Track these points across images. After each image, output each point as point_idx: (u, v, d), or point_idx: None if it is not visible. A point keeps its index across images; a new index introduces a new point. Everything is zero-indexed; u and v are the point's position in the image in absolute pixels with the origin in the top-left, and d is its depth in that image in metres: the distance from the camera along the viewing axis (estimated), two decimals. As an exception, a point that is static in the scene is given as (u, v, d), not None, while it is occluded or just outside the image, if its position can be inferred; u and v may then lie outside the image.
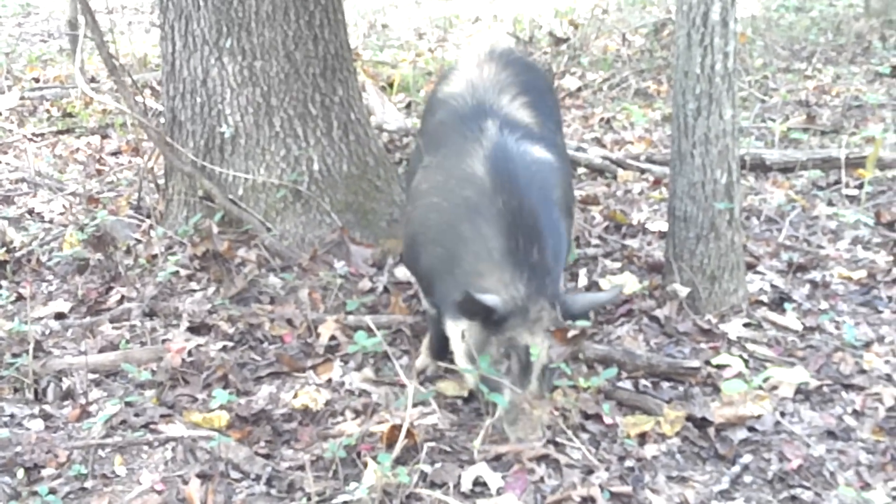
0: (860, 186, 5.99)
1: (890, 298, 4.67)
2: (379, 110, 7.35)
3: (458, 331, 3.64)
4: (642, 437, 3.70)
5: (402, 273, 4.86)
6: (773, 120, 7.64)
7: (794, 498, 3.37)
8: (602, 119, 8.03)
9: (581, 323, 3.55)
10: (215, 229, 4.93)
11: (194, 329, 4.47)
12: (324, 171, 5.16)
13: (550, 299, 3.57)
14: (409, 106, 8.41)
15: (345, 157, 5.20)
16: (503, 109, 4.08)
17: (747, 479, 3.51)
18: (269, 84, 5.08)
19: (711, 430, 3.72)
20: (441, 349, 3.99)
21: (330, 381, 4.11)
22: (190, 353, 4.19)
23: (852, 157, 6.18)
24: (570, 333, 3.53)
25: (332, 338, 4.35)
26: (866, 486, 3.40)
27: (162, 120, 6.01)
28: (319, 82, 5.13)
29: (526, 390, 3.55)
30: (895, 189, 6.07)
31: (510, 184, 3.69)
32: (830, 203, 5.92)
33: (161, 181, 5.75)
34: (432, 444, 3.59)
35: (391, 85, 8.77)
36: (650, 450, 3.65)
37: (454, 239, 3.70)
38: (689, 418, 3.75)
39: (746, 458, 3.57)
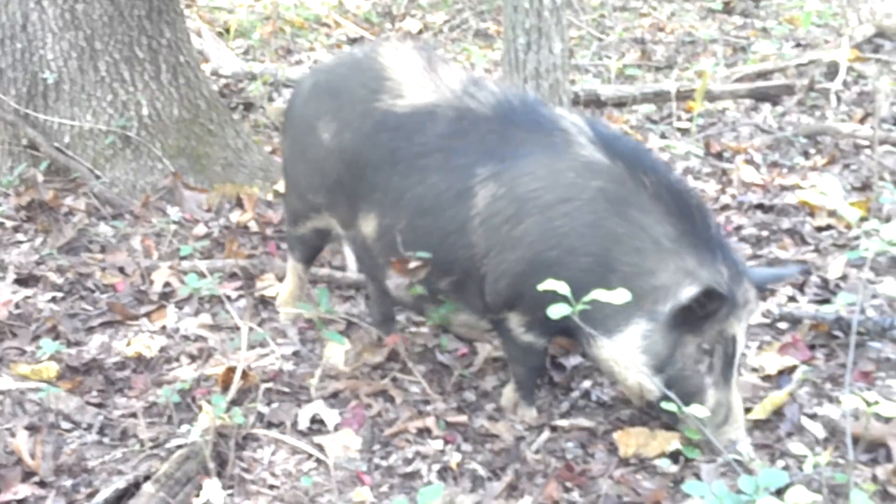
0: (691, 119, 6.13)
1: (719, 225, 4.79)
2: (215, 55, 7.20)
3: (633, 345, 3.10)
4: (489, 368, 3.75)
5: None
6: (610, 57, 7.74)
7: (620, 419, 3.47)
8: (442, 60, 8.01)
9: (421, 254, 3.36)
10: (40, 178, 4.79)
11: (21, 281, 4.33)
12: (153, 116, 5.03)
13: (749, 278, 3.14)
14: (247, 51, 8.26)
15: (175, 101, 5.08)
16: (528, 95, 3.69)
17: (581, 403, 3.59)
18: (92, 27, 4.93)
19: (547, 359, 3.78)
20: (532, 382, 3.51)
21: (164, 327, 4.03)
22: (17, 306, 4.07)
23: (683, 91, 6.31)
24: (412, 265, 3.51)
25: (167, 284, 4.27)
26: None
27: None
28: (145, 24, 4.99)
29: (731, 384, 3.15)
30: (724, 121, 6.23)
31: (644, 162, 3.23)
32: (663, 136, 6.04)
33: (-17, 131, 5.53)
34: (269, 384, 3.56)
35: (228, 31, 8.59)
36: (489, 381, 3.69)
37: (604, 240, 3.12)
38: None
39: (585, 384, 3.64)
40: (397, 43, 3.61)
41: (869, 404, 2.60)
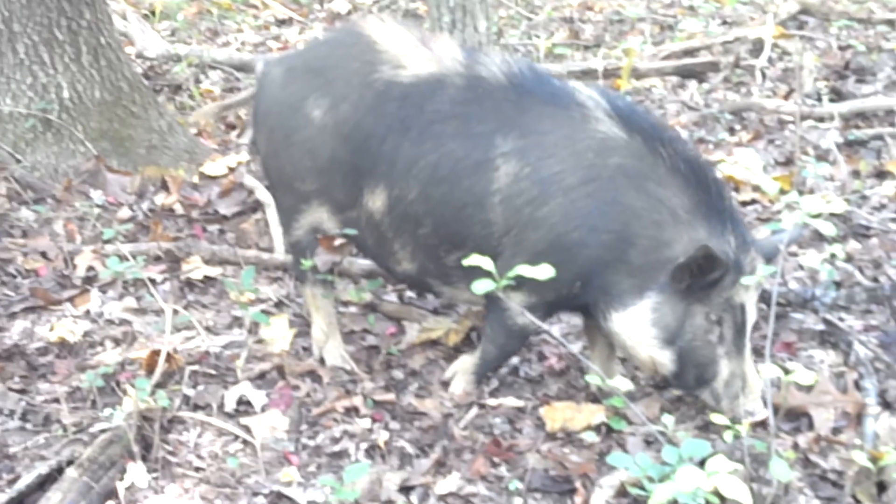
0: (618, 96, 6.15)
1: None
2: (139, 38, 7.09)
3: (644, 318, 3.12)
4: (417, 347, 3.76)
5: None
6: (538, 36, 7.75)
7: (547, 395, 3.49)
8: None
9: None
10: (-42, 163, 4.69)
11: (-61, 268, 4.25)
12: (74, 99, 4.95)
13: (757, 248, 3.15)
14: (173, 33, 8.16)
15: (97, 84, 5.00)
16: (534, 64, 3.57)
17: (510, 380, 3.60)
18: (10, 9, 4.83)
19: (475, 336, 3.80)
20: (495, 365, 3.52)
21: (88, 312, 3.97)
22: (-65, 294, 3.99)
23: (610, 69, 6.34)
24: (337, 242, 3.49)
25: (90, 268, 4.21)
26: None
27: None
28: (64, 6, 4.89)
29: (745, 355, 3.16)
30: (651, 98, 6.27)
31: (660, 135, 3.21)
32: (591, 114, 6.04)
33: None
34: (195, 367, 3.52)
35: (154, 13, 8.48)
36: (418, 360, 3.69)
37: (624, 216, 3.13)
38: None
39: (514, 360, 3.66)
40: (379, 19, 3.52)
41: (787, 373, 2.64)
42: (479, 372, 3.48)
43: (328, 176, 3.42)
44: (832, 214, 4.22)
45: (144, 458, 3.08)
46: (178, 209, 4.75)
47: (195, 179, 5.00)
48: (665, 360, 3.14)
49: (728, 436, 2.72)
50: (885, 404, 3.33)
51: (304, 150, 3.43)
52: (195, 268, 4.21)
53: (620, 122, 3.19)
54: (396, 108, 3.30)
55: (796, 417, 3.22)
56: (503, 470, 3.11)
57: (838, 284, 3.92)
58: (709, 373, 3.12)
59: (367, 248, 3.55)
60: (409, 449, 3.19)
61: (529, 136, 3.20)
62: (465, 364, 3.52)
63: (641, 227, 3.12)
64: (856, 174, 4.98)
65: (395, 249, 3.40)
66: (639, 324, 3.13)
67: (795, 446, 3.03)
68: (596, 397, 3.41)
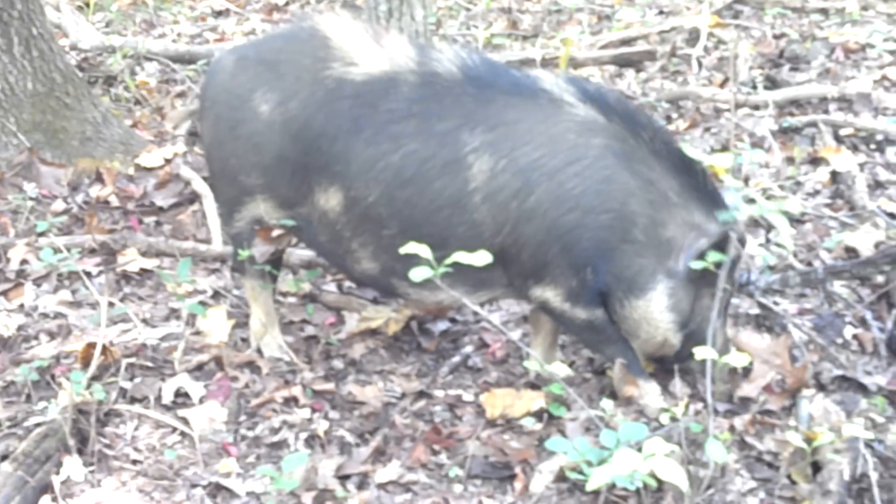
0: (557, 86, 6.16)
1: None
2: (73, 29, 7.00)
3: (662, 304, 3.13)
4: (357, 336, 3.75)
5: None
6: (477, 27, 7.75)
7: (487, 383, 3.50)
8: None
9: None
10: None
11: None
12: (6, 90, 4.88)
13: (737, 228, 3.08)
14: (108, 25, 8.06)
15: (29, 75, 4.92)
16: (488, 58, 3.48)
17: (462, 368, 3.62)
18: (-62, 0, 4.75)
19: (415, 325, 3.80)
20: (629, 355, 3.29)
21: (22, 305, 3.92)
22: None
23: (548, 58, 6.35)
24: (274, 233, 3.46)
25: (24, 262, 4.15)
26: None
27: None
28: (-5, -4, 4.82)
29: (726, 321, 3.27)
30: (589, 87, 6.29)
31: (639, 118, 3.19)
32: (529, 103, 6.06)
33: None
34: (132, 359, 3.49)
35: (88, 4, 8.37)
36: (358, 349, 3.68)
37: (621, 194, 3.08)
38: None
39: (468, 349, 3.67)
40: (333, 14, 3.42)
41: (719, 356, 2.67)
42: (631, 370, 3.27)
43: (274, 172, 3.33)
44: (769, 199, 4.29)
45: (80, 452, 3.05)
46: (114, 201, 4.69)
47: (131, 171, 4.94)
48: (676, 341, 3.19)
49: (663, 418, 2.75)
50: (820, 386, 3.38)
51: (249, 145, 3.33)
52: (131, 260, 4.16)
53: (595, 106, 3.15)
54: (348, 106, 3.22)
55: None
56: (443, 457, 3.11)
57: (772, 269, 3.96)
58: (707, 344, 3.01)
59: (320, 244, 3.45)
60: (349, 438, 3.18)
61: (498, 128, 3.13)
62: (618, 383, 3.29)
63: (639, 205, 3.08)
64: (790, 161, 5.03)
65: (354, 248, 3.31)
66: (658, 310, 3.13)
67: (731, 428, 3.06)
68: (536, 384, 3.42)
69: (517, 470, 3.01)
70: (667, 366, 3.28)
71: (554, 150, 3.10)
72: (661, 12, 7.92)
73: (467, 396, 3.41)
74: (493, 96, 3.18)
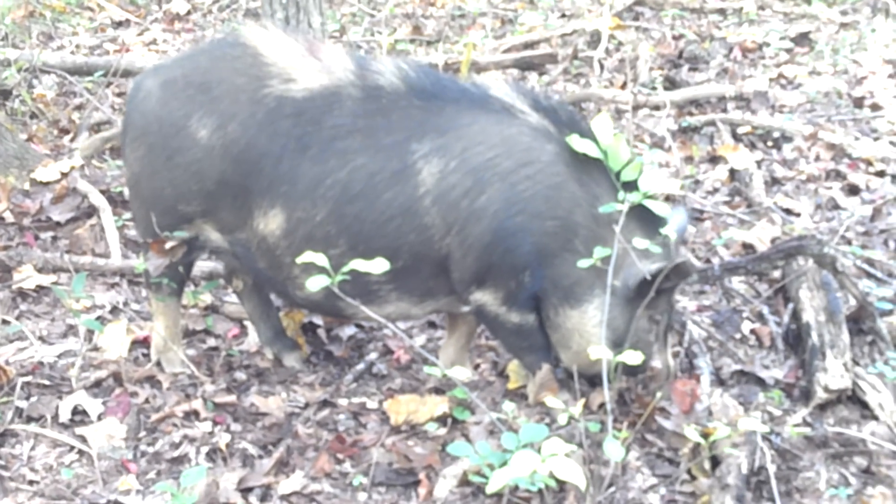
0: (460, 90, 6.19)
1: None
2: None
3: (596, 318, 3.09)
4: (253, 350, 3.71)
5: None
6: (381, 33, 7.74)
7: (391, 389, 3.50)
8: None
9: None
10: None
11: None
12: None
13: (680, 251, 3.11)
14: (4, 38, 7.88)
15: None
16: (430, 69, 3.37)
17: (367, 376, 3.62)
18: None
19: (322, 332, 3.78)
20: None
21: (-87, 326, 3.83)
22: None
23: (451, 63, 6.35)
24: (168, 245, 3.39)
25: (-88, 282, 4.05)
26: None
27: None
28: None
29: (667, 346, 3.24)
30: (492, 91, 6.32)
31: (583, 128, 3.14)
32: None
33: None
34: (28, 378, 3.42)
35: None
36: (260, 360, 3.65)
37: (568, 203, 3.07)
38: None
39: (373, 356, 3.67)
40: (262, 28, 3.30)
41: (615, 354, 2.70)
42: (540, 380, 3.30)
43: (216, 198, 3.22)
44: (668, 198, 4.35)
45: (-25, 474, 2.98)
46: (9, 217, 4.58)
47: (26, 186, 4.82)
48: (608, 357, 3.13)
49: (561, 418, 2.77)
50: (720, 381, 3.43)
51: (189, 173, 3.20)
52: (27, 277, 4.07)
53: (544, 113, 3.15)
54: (291, 125, 3.13)
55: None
56: (347, 466, 3.10)
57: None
58: (641, 367, 3.09)
59: (258, 271, 3.34)
60: (252, 450, 3.15)
61: (449, 133, 3.10)
62: (532, 389, 3.35)
63: (583, 216, 3.07)
64: (689, 160, 5.12)
65: (296, 274, 3.18)
66: (592, 323, 3.11)
67: (631, 426, 3.08)
68: (441, 389, 3.42)
69: (421, 476, 3.01)
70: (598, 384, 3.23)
71: (509, 150, 3.08)
72: (563, 15, 8.00)
73: (371, 404, 3.40)
74: (443, 106, 3.16)
